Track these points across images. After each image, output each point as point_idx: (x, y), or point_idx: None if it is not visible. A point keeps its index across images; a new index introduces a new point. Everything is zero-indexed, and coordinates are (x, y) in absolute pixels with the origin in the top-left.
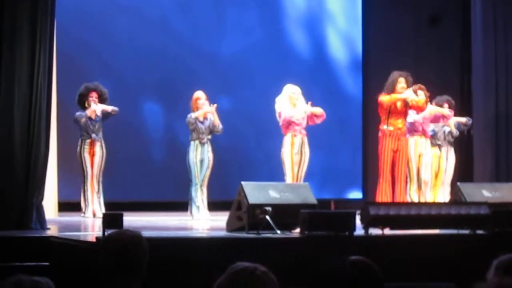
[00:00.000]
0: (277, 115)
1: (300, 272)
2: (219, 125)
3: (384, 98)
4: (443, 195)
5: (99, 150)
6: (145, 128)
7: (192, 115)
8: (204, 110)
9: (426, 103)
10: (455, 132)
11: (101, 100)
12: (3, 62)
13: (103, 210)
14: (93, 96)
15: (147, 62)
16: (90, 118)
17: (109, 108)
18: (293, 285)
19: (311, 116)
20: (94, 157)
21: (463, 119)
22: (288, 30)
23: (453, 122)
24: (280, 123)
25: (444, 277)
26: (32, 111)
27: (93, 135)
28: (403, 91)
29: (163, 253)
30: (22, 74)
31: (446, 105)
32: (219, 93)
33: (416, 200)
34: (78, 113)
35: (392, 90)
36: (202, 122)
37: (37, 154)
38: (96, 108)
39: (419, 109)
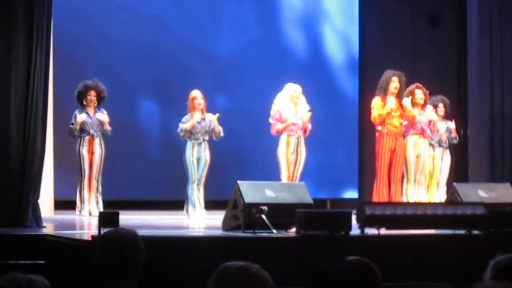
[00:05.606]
0: (274, 112)
1: (296, 272)
2: (220, 132)
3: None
4: (438, 195)
5: (98, 148)
6: (142, 126)
7: (182, 127)
8: (193, 121)
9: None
10: (454, 136)
11: (99, 98)
12: None
13: (101, 209)
14: (92, 94)
15: (143, 60)
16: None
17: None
18: (289, 285)
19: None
20: (93, 156)
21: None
22: (284, 28)
23: (444, 127)
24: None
25: (440, 277)
26: (28, 109)
27: (92, 131)
28: (396, 91)
29: (159, 252)
30: (18, 72)
31: (441, 105)
32: (215, 91)
33: (412, 200)
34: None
35: (385, 89)
36: (199, 123)
37: (33, 152)
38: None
39: (410, 121)
